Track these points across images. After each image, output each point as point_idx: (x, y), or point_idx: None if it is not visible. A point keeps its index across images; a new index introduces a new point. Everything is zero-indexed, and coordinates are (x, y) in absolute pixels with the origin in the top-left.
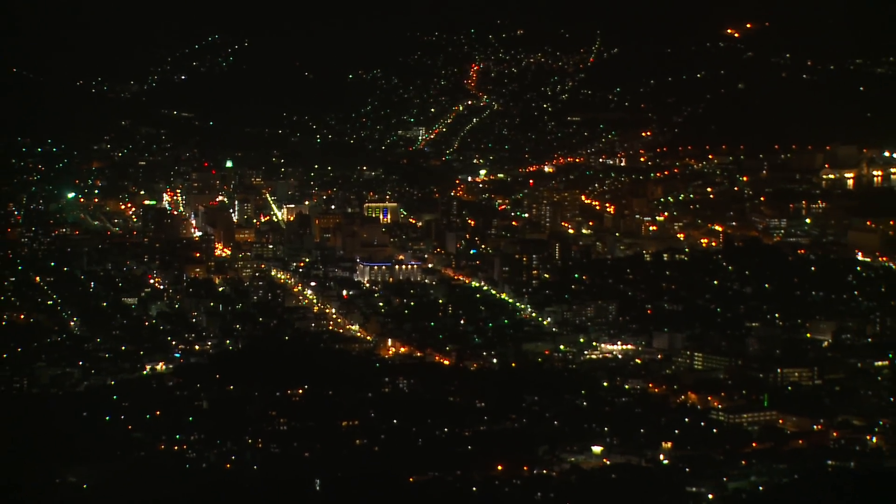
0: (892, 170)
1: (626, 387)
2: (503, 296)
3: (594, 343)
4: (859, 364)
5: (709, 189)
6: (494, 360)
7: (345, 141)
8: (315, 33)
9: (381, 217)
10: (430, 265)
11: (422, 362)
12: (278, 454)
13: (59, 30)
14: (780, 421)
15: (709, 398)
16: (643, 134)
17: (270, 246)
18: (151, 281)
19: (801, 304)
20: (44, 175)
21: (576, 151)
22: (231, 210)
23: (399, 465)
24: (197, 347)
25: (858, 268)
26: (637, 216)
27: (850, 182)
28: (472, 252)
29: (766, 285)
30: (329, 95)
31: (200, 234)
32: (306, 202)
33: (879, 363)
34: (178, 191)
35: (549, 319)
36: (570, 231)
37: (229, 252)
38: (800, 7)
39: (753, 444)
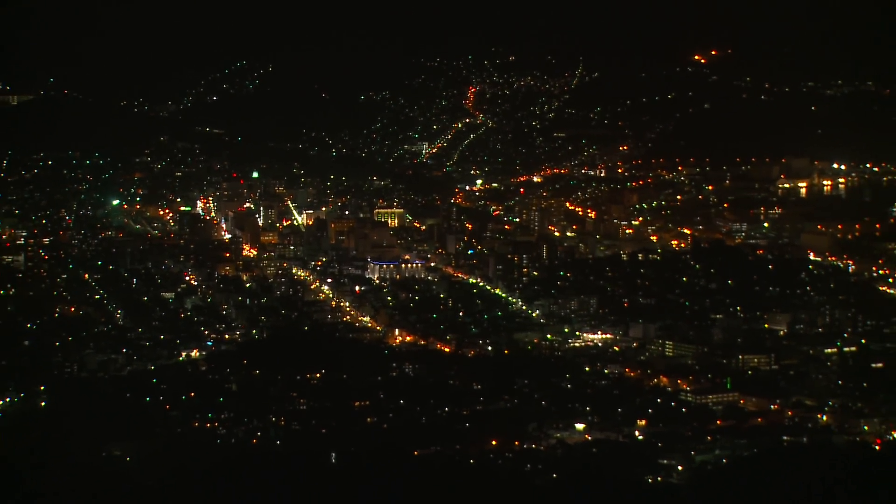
0: (840, 180)
1: (606, 371)
2: (497, 291)
3: (577, 332)
4: (811, 351)
5: (678, 197)
6: (489, 348)
7: (357, 154)
8: (330, 59)
9: (389, 221)
10: (432, 264)
11: (425, 350)
12: (298, 430)
13: (105, 56)
14: (742, 401)
15: (678, 381)
16: (620, 148)
17: (291, 247)
18: (187, 278)
19: (760, 299)
20: (92, 184)
21: (561, 164)
22: (257, 215)
23: (405, 441)
24: (227, 336)
25: (810, 266)
26: (615, 221)
27: (803, 190)
28: (469, 252)
29: (729, 282)
30: (343, 114)
31: (230, 236)
32: (323, 208)
33: (829, 350)
34: (211, 198)
35: (537, 312)
36: (556, 234)
37: (255, 252)
38: (759, 36)
39: (718, 422)
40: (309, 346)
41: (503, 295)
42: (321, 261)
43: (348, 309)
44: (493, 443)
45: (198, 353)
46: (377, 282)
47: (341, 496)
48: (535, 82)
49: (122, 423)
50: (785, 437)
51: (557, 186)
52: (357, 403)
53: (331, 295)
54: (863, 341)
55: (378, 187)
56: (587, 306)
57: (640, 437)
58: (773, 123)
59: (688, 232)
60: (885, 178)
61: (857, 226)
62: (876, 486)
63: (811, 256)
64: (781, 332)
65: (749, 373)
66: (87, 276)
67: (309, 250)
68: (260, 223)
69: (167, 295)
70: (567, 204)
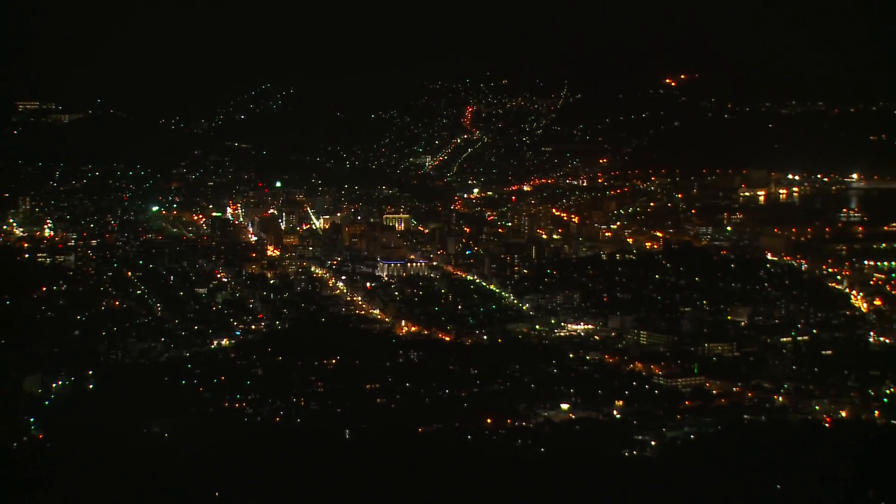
0: (794, 189)
1: (587, 358)
2: (491, 287)
3: (562, 323)
4: (768, 340)
5: (651, 204)
6: (485, 337)
7: (368, 166)
8: (345, 82)
9: (397, 225)
10: (434, 263)
11: (428, 339)
12: (316, 410)
13: (145, 79)
14: (707, 384)
15: (651, 366)
16: (600, 161)
17: (310, 248)
18: (218, 275)
19: (723, 294)
20: (134, 193)
21: (548, 174)
22: (280, 220)
23: (410, 419)
24: (253, 327)
25: (768, 265)
26: (596, 225)
27: (762, 198)
28: (467, 253)
29: (696, 279)
30: (355, 130)
31: (256, 238)
32: (338, 214)
33: (784, 339)
34: (239, 205)
35: (527, 305)
36: (544, 236)
37: (278, 253)
38: (722, 62)
39: (686, 403)
40: (326, 335)
41: (497, 290)
42: (336, 260)
43: (360, 303)
44: (488, 421)
45: (227, 342)
46: (386, 279)
47: (354, 468)
48: (525, 102)
49: (160, 404)
50: (745, 416)
51: (545, 194)
52: (368, 386)
53: (345, 290)
54: (814, 331)
55: (386, 195)
56: (571, 300)
57: (618, 416)
58: (735, 139)
59: (660, 235)
60: (833, 188)
61: (808, 229)
62: (825, 459)
63: (768, 256)
64: (742, 323)
65: (714, 359)
66: (129, 273)
67: (325, 251)
68: (282, 227)
69: (200, 290)
70: (553, 210)
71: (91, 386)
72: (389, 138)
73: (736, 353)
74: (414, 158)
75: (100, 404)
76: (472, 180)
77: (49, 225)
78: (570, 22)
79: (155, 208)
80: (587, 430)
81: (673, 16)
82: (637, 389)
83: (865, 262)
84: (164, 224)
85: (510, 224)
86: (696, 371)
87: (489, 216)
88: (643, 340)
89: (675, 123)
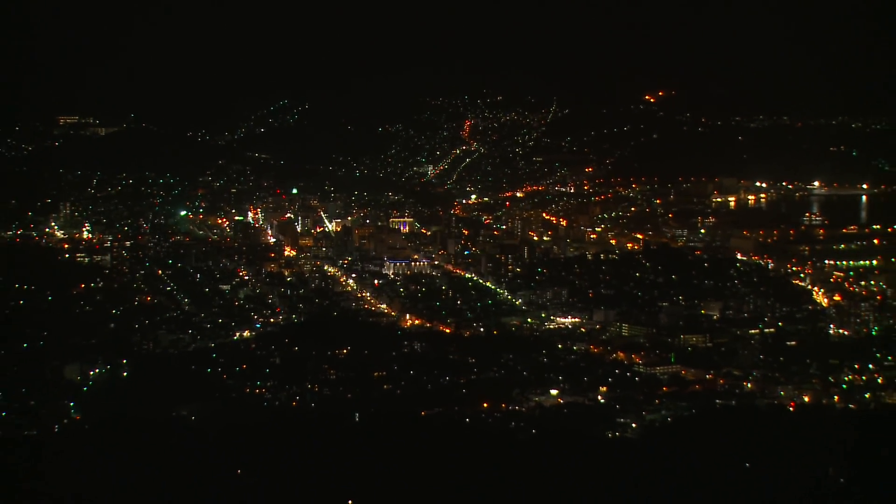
0: (762, 195)
1: (574, 348)
2: (488, 284)
3: (551, 317)
4: (738, 332)
5: (632, 208)
6: (481, 329)
7: (375, 174)
8: (354, 98)
9: (402, 228)
10: (436, 262)
11: (430, 331)
12: (329, 395)
13: (174, 96)
14: (683, 372)
15: (632, 356)
16: (586, 170)
17: (323, 249)
18: (240, 273)
19: (697, 290)
20: (164, 199)
21: (539, 182)
22: (296, 223)
23: (414, 403)
24: (272, 320)
25: (738, 264)
26: (582, 228)
27: (732, 204)
28: (465, 253)
29: (673, 276)
30: (364, 142)
31: (274, 240)
32: (349, 217)
33: (752, 331)
34: (259, 210)
35: (519, 300)
36: (535, 238)
37: (295, 253)
38: (696, 81)
39: (664, 388)
40: (337, 327)
41: (492, 287)
42: (347, 260)
43: (369, 298)
44: (485, 405)
45: (248, 334)
46: (392, 276)
47: (363, 448)
48: (517, 117)
49: (188, 390)
50: (718, 401)
51: (536, 200)
52: (376, 374)
53: (355, 287)
54: (779, 324)
55: (392, 201)
56: (559, 296)
57: (602, 401)
58: (708, 150)
59: (640, 236)
60: (796, 194)
61: (774, 232)
62: (790, 440)
63: (738, 256)
64: (714, 317)
65: (689, 349)
66: (160, 272)
67: (337, 251)
68: (298, 229)
69: (224, 287)
70: (543, 214)
71: (125, 374)
72: (395, 149)
73: (709, 344)
74: (417, 168)
75: (133, 390)
76: (469, 187)
77: (87, 228)
78: (559, 44)
79: (183, 213)
80: (574, 414)
81: (652, 38)
82: (619, 377)
83: (826, 262)
84: (191, 227)
85: (504, 227)
86: (672, 360)
87: (485, 220)
88: (625, 332)
89: (654, 136)
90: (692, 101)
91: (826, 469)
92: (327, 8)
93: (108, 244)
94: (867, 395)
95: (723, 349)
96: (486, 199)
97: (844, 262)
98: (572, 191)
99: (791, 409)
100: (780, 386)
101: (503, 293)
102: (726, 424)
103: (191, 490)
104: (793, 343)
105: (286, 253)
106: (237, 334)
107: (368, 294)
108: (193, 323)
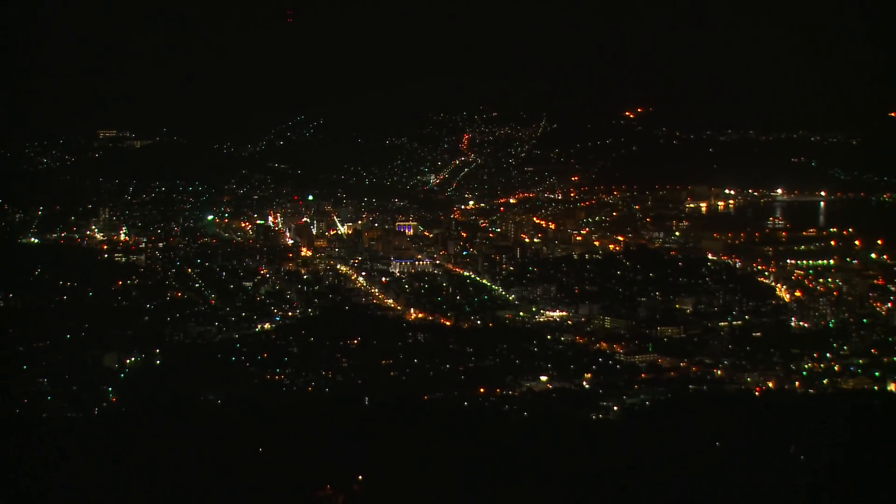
0: (731, 201)
1: (562, 339)
2: (484, 281)
3: (541, 311)
4: (709, 324)
5: (614, 213)
6: (478, 322)
7: (383, 183)
8: (364, 114)
9: (406, 231)
10: (437, 262)
11: (432, 323)
12: (341, 381)
13: (202, 112)
14: (659, 360)
15: (614, 346)
16: (572, 178)
17: (336, 249)
18: (261, 272)
19: (672, 286)
20: (193, 204)
21: (530, 190)
22: (311, 226)
23: (418, 389)
24: (290, 314)
25: (709, 263)
26: (569, 231)
27: (704, 209)
28: (464, 253)
29: (650, 274)
30: (373, 154)
31: (292, 242)
32: (359, 221)
33: (722, 324)
34: (279, 214)
35: (512, 296)
36: (526, 240)
37: (310, 253)
38: (671, 99)
39: (643, 375)
40: (349, 320)
41: (488, 284)
42: (357, 259)
43: (377, 294)
44: (481, 390)
45: (269, 326)
46: (398, 274)
47: (372, 428)
48: (511, 131)
49: (214, 376)
50: (691, 386)
51: (527, 206)
52: (383, 362)
53: (365, 284)
54: (746, 317)
55: (398, 206)
56: (548, 292)
57: (587, 386)
58: (682, 161)
59: (621, 238)
60: (762, 201)
61: (742, 234)
62: (755, 421)
63: (709, 256)
64: (688, 311)
65: (665, 340)
66: (189, 270)
67: (349, 252)
68: (314, 232)
69: (247, 284)
70: (534, 218)
71: (158, 362)
72: (400, 160)
73: (682, 335)
74: (420, 176)
75: (165, 377)
76: (468, 194)
77: (124, 231)
78: (548, 65)
79: (210, 217)
80: (562, 398)
81: (633, 61)
82: (602, 364)
83: (788, 261)
84: (217, 230)
85: (499, 230)
86: (650, 349)
87: (482, 223)
88: (607, 324)
89: (633, 148)
90: (667, 116)
91: (788, 447)
92: (340, 34)
93: (143, 245)
94: (825, 382)
95: (695, 340)
96: (482, 204)
97: (804, 262)
98: (560, 197)
99: (757, 393)
100: (746, 373)
101: (498, 289)
102: (699, 407)
103: (217, 466)
104: (758, 334)
105: (303, 253)
106: (259, 326)
107: (377, 290)
108: (219, 316)
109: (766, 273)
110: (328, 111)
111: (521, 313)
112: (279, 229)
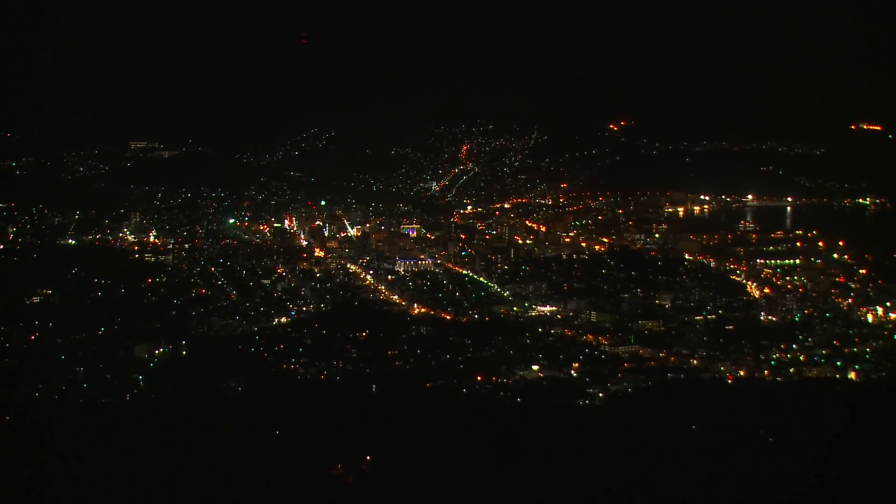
0: (706, 206)
1: (552, 331)
2: (481, 279)
3: (533, 306)
4: (686, 318)
5: (599, 217)
6: (476, 316)
7: (389, 189)
8: (371, 126)
9: (410, 233)
10: (438, 261)
11: (434, 317)
12: (351, 370)
13: (224, 124)
14: (641, 351)
15: (600, 338)
16: (562, 185)
17: (346, 250)
18: (278, 270)
19: (652, 283)
20: (216, 209)
21: (523, 195)
22: (324, 229)
23: (421, 377)
24: (304, 309)
25: (686, 263)
26: (558, 233)
27: (681, 213)
28: (463, 253)
29: (632, 272)
30: (379, 163)
31: (306, 243)
32: (367, 224)
33: (698, 318)
34: (294, 218)
35: (507, 293)
36: (520, 241)
37: (323, 254)
38: (651, 113)
39: (626, 365)
40: (358, 315)
41: (485, 281)
42: (366, 259)
43: (384, 290)
44: (479, 378)
45: (285, 320)
46: (402, 273)
47: (378, 413)
48: (505, 142)
49: (235, 365)
50: (669, 375)
51: (520, 210)
52: (389, 352)
53: (372, 282)
54: (720, 312)
55: (403, 211)
56: (540, 289)
57: (575, 375)
58: (661, 169)
59: (606, 240)
60: (734, 205)
61: (716, 236)
62: (728, 407)
63: (686, 256)
64: (667, 306)
65: (645, 332)
66: (212, 269)
67: (358, 252)
68: (326, 234)
69: (265, 281)
70: (527, 222)
71: (184, 352)
72: (405, 168)
73: (662, 328)
74: (423, 184)
75: (190, 366)
76: (466, 199)
77: (153, 233)
78: (540, 82)
79: (231, 221)
80: (552, 386)
81: (616, 78)
82: (589, 355)
83: (757, 261)
84: (238, 232)
85: (495, 232)
86: (632, 341)
87: (479, 226)
88: (593, 318)
89: (617, 158)
90: (648, 129)
91: (757, 430)
92: (350, 53)
93: (170, 246)
94: (791, 371)
95: (673, 332)
96: (479, 209)
97: (772, 261)
98: (550, 202)
99: (729, 381)
100: (720, 363)
101: (494, 287)
102: (676, 394)
103: (237, 447)
104: (730, 327)
105: (316, 254)
106: (276, 320)
107: (383, 287)
108: (240, 311)
109: (738, 271)
110: (339, 124)
111: (515, 308)
112: (294, 232)
